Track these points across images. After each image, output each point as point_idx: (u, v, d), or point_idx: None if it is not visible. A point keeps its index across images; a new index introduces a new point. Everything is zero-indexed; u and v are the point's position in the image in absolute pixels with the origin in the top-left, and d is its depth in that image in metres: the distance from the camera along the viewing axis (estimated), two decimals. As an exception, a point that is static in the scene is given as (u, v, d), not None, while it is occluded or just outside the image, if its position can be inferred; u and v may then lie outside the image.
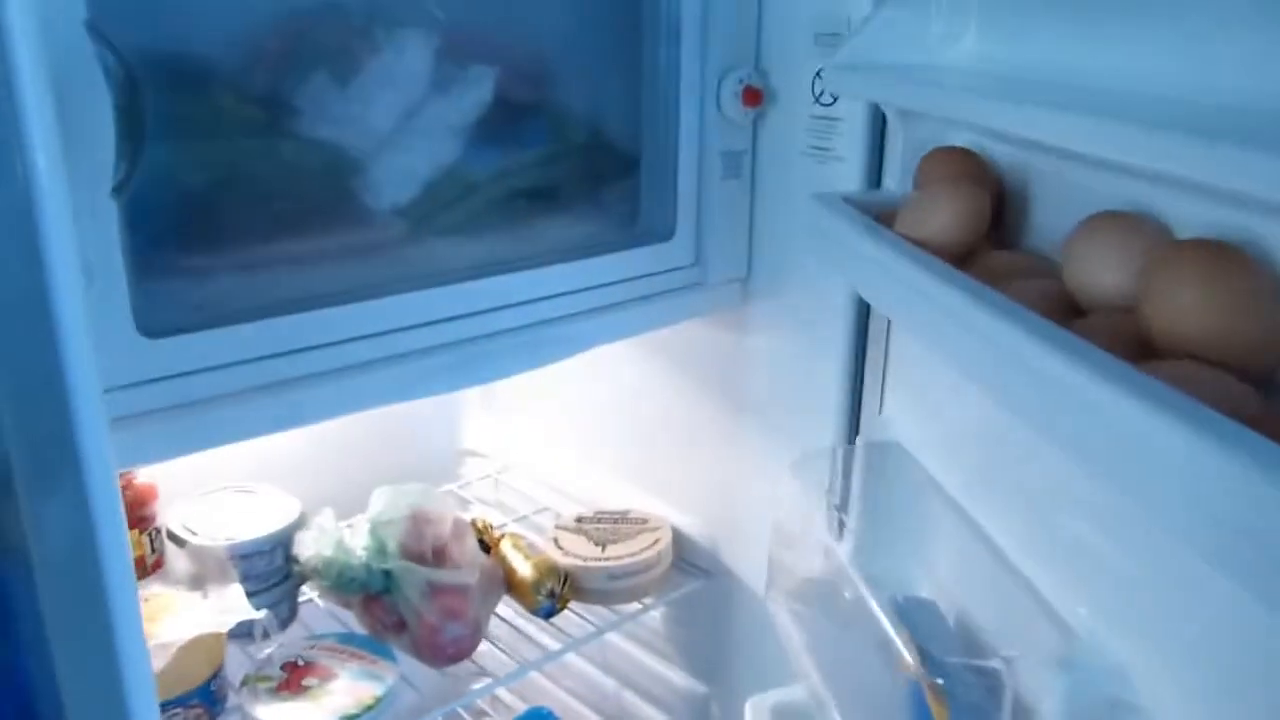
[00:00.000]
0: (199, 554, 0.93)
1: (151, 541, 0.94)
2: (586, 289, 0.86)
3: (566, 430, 1.24)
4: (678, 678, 1.17)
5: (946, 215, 0.64)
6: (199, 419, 0.66)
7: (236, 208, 0.73)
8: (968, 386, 0.65)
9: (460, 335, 0.80)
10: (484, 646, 0.99)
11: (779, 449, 0.97)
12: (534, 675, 1.38)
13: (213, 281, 0.69)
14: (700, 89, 0.88)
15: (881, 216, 0.71)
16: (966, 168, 0.69)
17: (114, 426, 0.62)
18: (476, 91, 0.85)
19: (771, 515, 0.98)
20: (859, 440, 0.89)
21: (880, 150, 0.85)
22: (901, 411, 0.83)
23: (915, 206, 0.67)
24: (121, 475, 0.92)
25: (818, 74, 0.86)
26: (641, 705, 1.23)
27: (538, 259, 0.84)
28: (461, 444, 1.37)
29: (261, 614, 0.85)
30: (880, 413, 0.86)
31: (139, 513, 0.93)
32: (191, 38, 0.70)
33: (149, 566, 0.94)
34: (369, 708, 0.86)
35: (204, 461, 1.04)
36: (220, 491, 1.02)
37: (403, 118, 0.82)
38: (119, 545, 0.52)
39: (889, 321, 0.85)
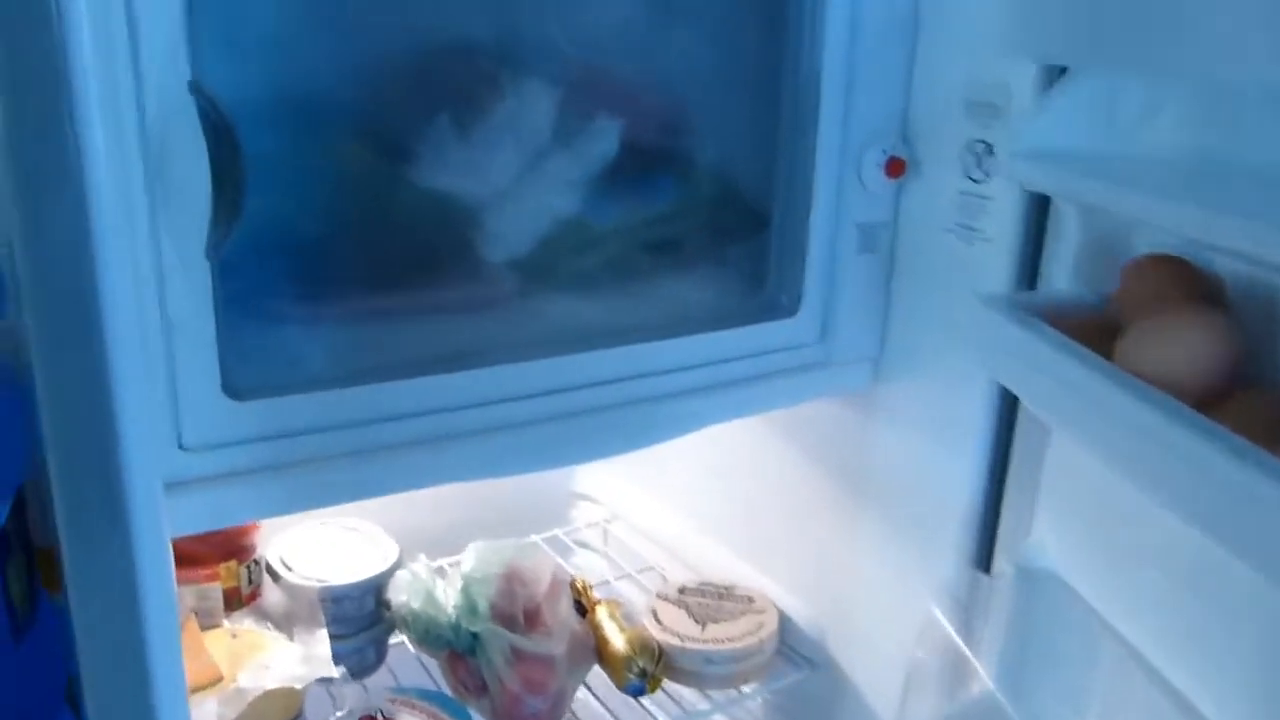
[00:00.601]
0: (291, 591, 0.92)
1: (249, 573, 0.94)
2: (701, 365, 0.80)
3: (678, 488, 1.19)
4: (774, 767, 1.10)
5: (1193, 352, 0.55)
6: (283, 484, 0.64)
7: (341, 261, 0.71)
8: (1165, 519, 0.56)
9: (563, 409, 0.75)
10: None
11: (900, 546, 0.89)
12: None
13: (307, 342, 0.67)
14: (840, 156, 0.82)
15: (1055, 321, 0.63)
16: (1193, 285, 0.59)
17: (193, 487, 0.62)
18: (602, 144, 0.81)
19: (884, 608, 0.91)
20: (1001, 561, 0.80)
21: (1038, 236, 0.76)
22: (1060, 536, 0.74)
23: (1147, 338, 0.57)
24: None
25: (968, 146, 0.78)
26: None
27: (650, 332, 0.79)
28: (574, 487, 1.34)
29: (338, 672, 0.83)
30: (1030, 535, 0.77)
31: (239, 542, 0.93)
32: (312, 80, 0.69)
33: (244, 598, 0.94)
34: (438, 776, 0.83)
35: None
36: (323, 525, 1.01)
37: (523, 168, 0.79)
38: (166, 628, 0.50)
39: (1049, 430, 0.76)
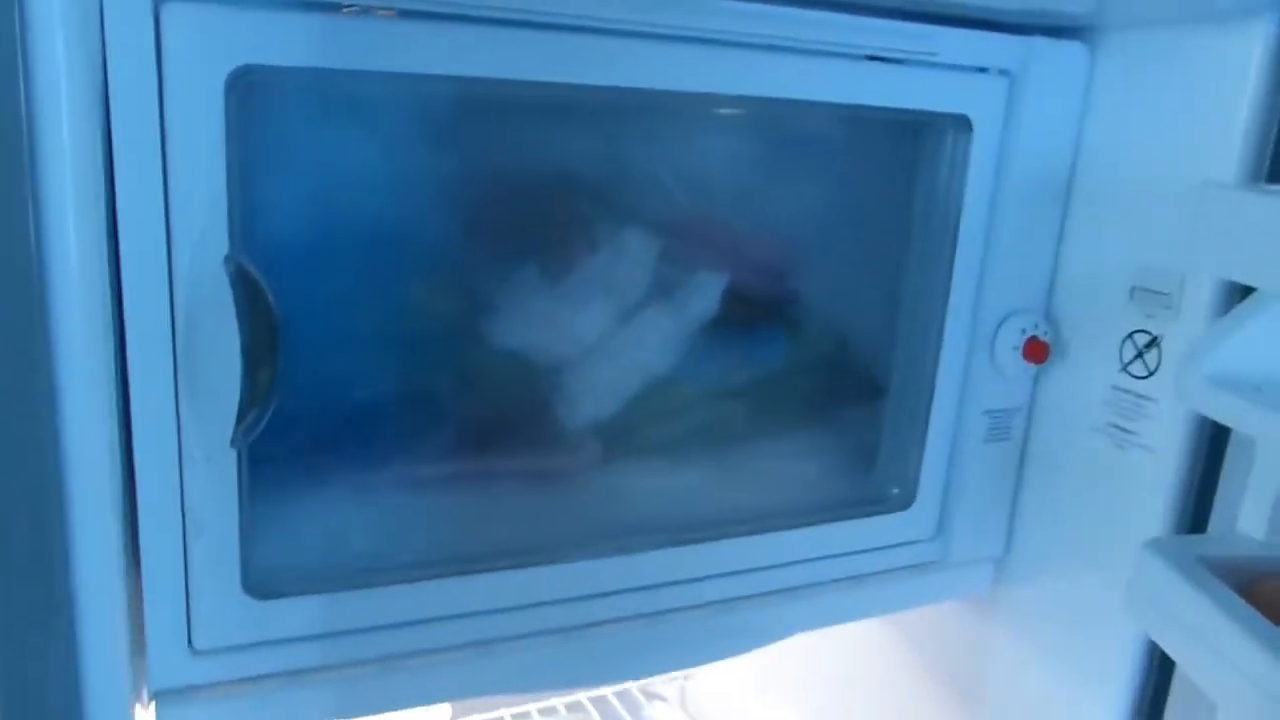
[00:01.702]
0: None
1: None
2: (796, 563, 0.70)
3: (765, 658, 1.08)
4: None
5: None
6: (307, 692, 0.56)
7: (396, 429, 0.64)
8: None
9: (637, 610, 0.66)
10: None
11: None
12: None
13: (347, 530, 0.60)
14: (971, 330, 0.71)
15: (1237, 578, 0.51)
16: None
17: (201, 694, 0.54)
18: (703, 301, 0.73)
19: None
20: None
21: (1213, 453, 0.64)
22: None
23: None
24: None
25: (1129, 337, 0.67)
26: None
27: (737, 525, 0.69)
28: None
29: None
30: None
31: None
32: (380, 221, 0.62)
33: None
34: None
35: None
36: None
37: (614, 323, 0.71)
38: None
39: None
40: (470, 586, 0.60)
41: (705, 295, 0.72)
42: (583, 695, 1.09)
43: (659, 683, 1.19)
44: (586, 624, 0.64)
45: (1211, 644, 0.50)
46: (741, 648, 0.68)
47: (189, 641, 0.53)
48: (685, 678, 1.19)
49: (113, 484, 0.46)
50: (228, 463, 0.51)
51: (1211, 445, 0.64)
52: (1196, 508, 0.65)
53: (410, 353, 0.65)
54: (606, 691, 1.11)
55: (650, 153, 0.69)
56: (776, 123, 0.72)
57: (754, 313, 0.76)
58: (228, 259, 0.48)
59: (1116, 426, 0.68)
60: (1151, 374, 0.66)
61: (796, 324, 0.79)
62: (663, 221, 0.70)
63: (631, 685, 1.16)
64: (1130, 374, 0.67)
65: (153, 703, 0.53)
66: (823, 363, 0.80)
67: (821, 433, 0.79)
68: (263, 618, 0.54)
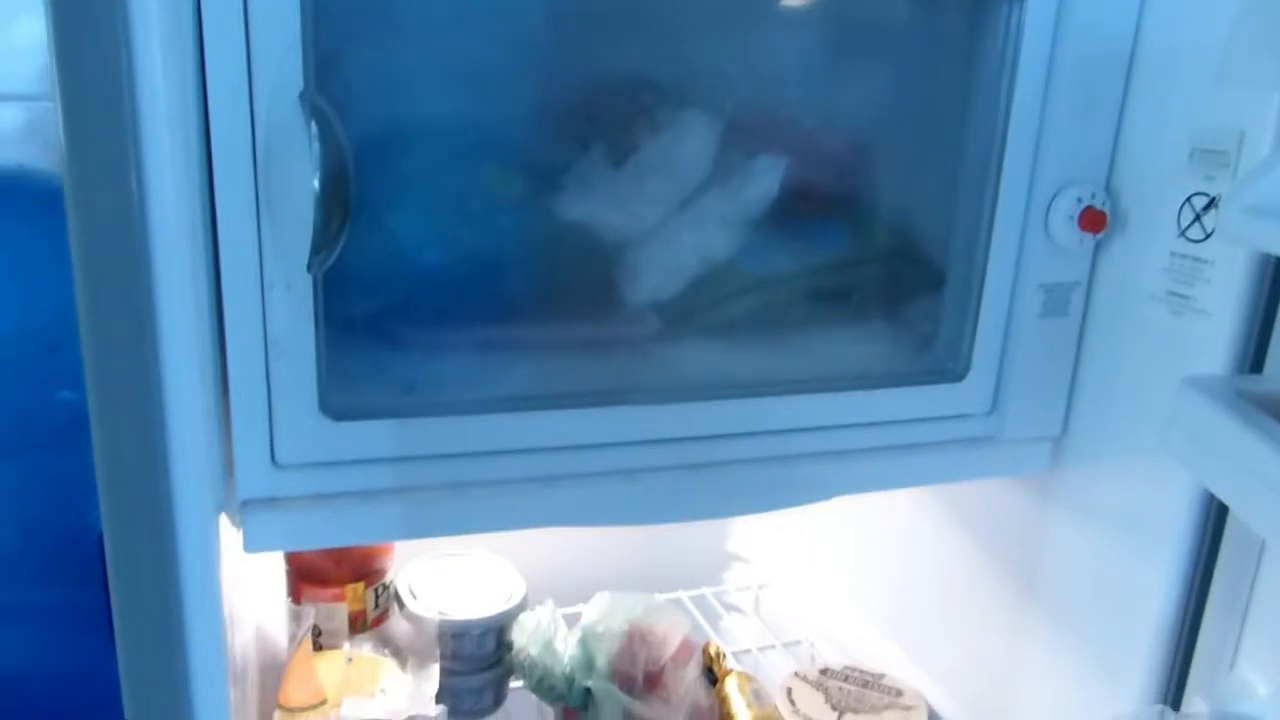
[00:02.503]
0: (413, 621, 0.91)
1: (376, 597, 0.93)
2: (847, 426, 0.72)
3: (836, 560, 1.10)
4: None
5: None
6: (377, 511, 0.62)
7: (468, 288, 0.68)
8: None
9: (690, 460, 0.69)
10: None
11: (1074, 662, 0.77)
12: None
13: (419, 367, 0.65)
14: (1025, 204, 0.72)
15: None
16: None
17: (284, 505, 0.60)
18: (762, 184, 0.75)
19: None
20: (1194, 699, 0.66)
21: (1268, 313, 0.64)
22: (1270, 677, 0.60)
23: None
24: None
25: (1188, 200, 0.67)
26: None
27: (793, 385, 0.72)
28: (728, 547, 1.27)
29: (436, 710, 0.80)
30: (1232, 669, 0.64)
31: (370, 565, 0.92)
32: (459, 105, 0.67)
33: (369, 622, 0.93)
34: (530, 841, 0.78)
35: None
36: (456, 557, 1.00)
37: (676, 205, 0.74)
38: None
39: (1262, 544, 0.64)
40: (535, 423, 0.64)
41: (764, 179, 0.75)
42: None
43: (733, 592, 1.22)
44: (643, 468, 0.67)
45: (1255, 472, 0.51)
46: (792, 501, 0.71)
47: (272, 457, 0.59)
48: (759, 587, 1.21)
49: (200, 307, 0.52)
50: (305, 290, 0.57)
51: (1268, 308, 0.64)
52: (1253, 371, 0.65)
53: (479, 224, 0.70)
54: (685, 596, 1.14)
55: (721, 46, 0.72)
56: (836, 4, 0.74)
57: (813, 203, 0.78)
58: (302, 95, 0.53)
59: (1174, 294, 0.68)
60: (1208, 236, 0.65)
61: (856, 214, 0.80)
62: (723, 108, 0.72)
63: (708, 592, 1.19)
64: (1188, 238, 0.67)
65: (241, 511, 0.59)
66: (882, 253, 0.81)
67: (883, 319, 0.80)
68: (338, 438, 0.60)
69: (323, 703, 0.79)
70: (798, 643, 1.11)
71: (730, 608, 1.21)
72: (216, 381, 0.57)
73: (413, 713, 0.78)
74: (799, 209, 0.77)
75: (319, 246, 0.54)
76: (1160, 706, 0.62)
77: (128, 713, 0.58)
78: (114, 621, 0.57)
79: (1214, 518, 0.68)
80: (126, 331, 0.52)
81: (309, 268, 0.55)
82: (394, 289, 0.66)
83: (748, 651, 1.09)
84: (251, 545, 0.60)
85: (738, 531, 1.25)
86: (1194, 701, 0.63)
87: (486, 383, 0.67)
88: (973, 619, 0.88)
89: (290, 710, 0.78)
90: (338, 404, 0.60)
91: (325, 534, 0.61)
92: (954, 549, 0.90)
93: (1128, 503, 0.73)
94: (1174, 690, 0.68)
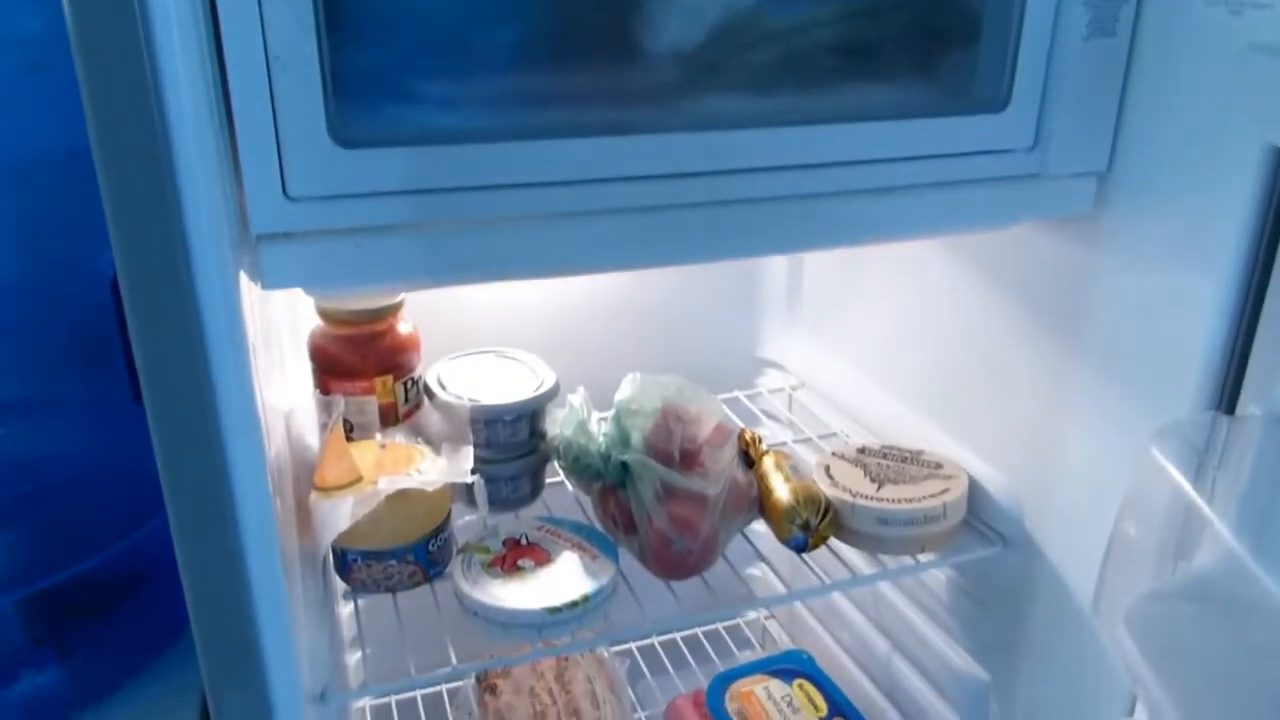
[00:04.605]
0: (444, 410, 0.90)
1: (406, 391, 0.93)
2: (881, 161, 0.69)
3: (871, 348, 1.08)
4: (957, 658, 0.99)
5: None
6: (393, 247, 0.59)
7: (477, 24, 0.65)
8: None
9: (719, 195, 0.66)
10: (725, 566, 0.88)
11: (1118, 409, 0.75)
12: (805, 615, 1.25)
13: (431, 93, 0.61)
14: (1070, -94, 0.67)
15: None
16: None
17: (298, 240, 0.58)
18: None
19: (1097, 476, 0.77)
20: (1248, 406, 0.65)
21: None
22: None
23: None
24: (383, 320, 0.91)
25: (1250, -116, 0.61)
26: (912, 678, 1.06)
27: (826, 115, 0.68)
28: (760, 353, 1.25)
29: (472, 478, 0.80)
30: None
31: (396, 359, 0.91)
32: None
33: (400, 416, 0.93)
34: (573, 604, 0.78)
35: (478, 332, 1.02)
36: (485, 355, 0.99)
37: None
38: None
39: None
40: (556, 152, 0.61)
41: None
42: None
43: (766, 395, 1.21)
44: (669, 204, 0.64)
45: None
46: (824, 241, 0.69)
47: (283, 189, 0.56)
48: (792, 389, 1.20)
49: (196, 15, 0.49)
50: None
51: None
52: (1318, 62, 0.60)
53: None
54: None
55: None
56: None
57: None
58: None
59: (1231, -7, 0.63)
60: (1272, -80, 0.60)
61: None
62: None
63: (740, 395, 1.18)
64: (1248, -73, 0.62)
65: (257, 246, 0.57)
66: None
67: (916, 70, 0.75)
68: (350, 168, 0.57)
69: (358, 480, 0.79)
70: (833, 434, 1.10)
71: (765, 412, 1.21)
72: (220, 115, 0.54)
73: (448, 479, 0.78)
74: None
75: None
76: (1213, 412, 0.60)
77: (159, 460, 0.57)
78: (139, 374, 0.56)
79: (1269, 234, 0.65)
80: (119, 47, 0.49)
81: (305, -29, 0.52)
82: (399, 32, 0.62)
83: (783, 444, 1.08)
84: (270, 282, 0.58)
85: (770, 338, 1.24)
86: (1248, 407, 0.61)
87: (499, 111, 0.64)
88: (1012, 383, 0.86)
89: (326, 490, 0.78)
90: (347, 130, 0.57)
91: (344, 272, 0.59)
92: (991, 313, 0.87)
93: (1177, 233, 0.69)
94: (1227, 405, 0.65)
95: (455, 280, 0.62)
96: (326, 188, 0.57)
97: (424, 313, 0.97)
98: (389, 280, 0.62)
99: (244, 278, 0.56)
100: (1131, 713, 0.76)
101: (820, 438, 1.09)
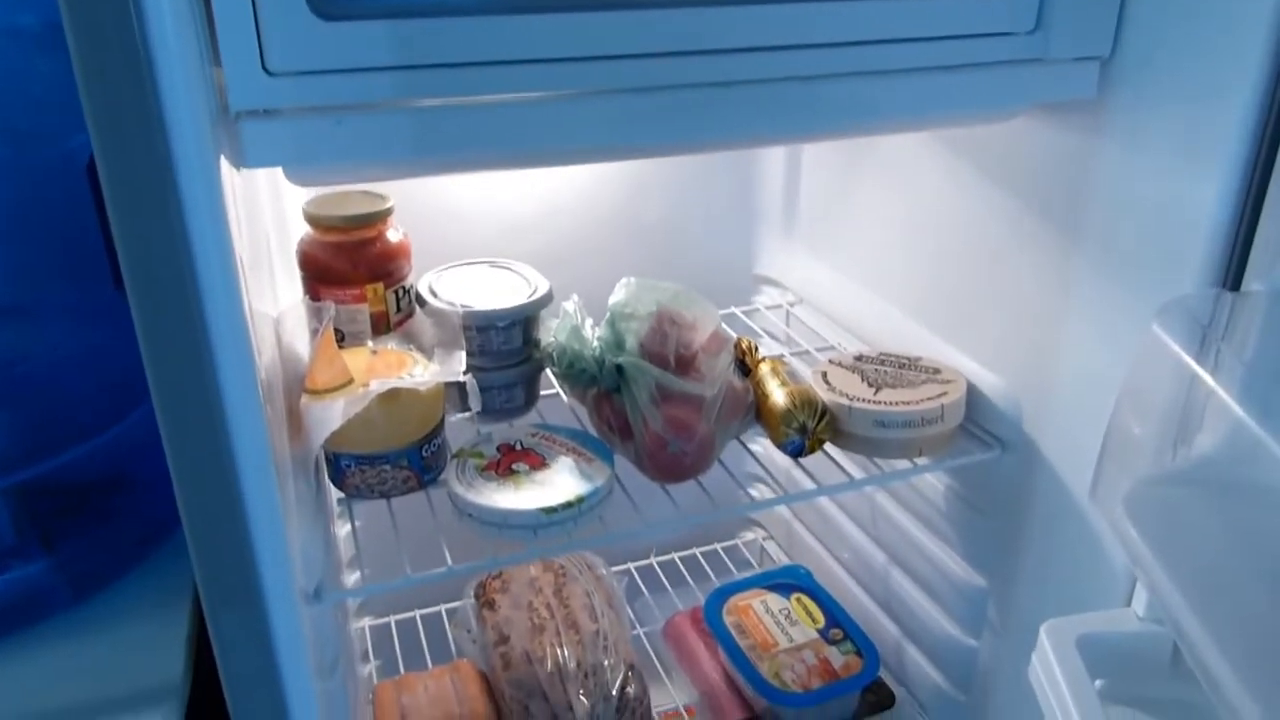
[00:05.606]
0: (436, 316, 0.89)
1: (397, 299, 0.91)
2: (878, 41, 0.66)
3: (868, 260, 1.06)
4: (955, 565, 0.98)
5: None
6: (376, 124, 0.58)
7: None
8: None
9: (717, 76, 0.63)
10: (722, 475, 0.87)
11: (1120, 303, 0.73)
12: (803, 534, 1.26)
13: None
14: None
15: None
16: None
17: (280, 117, 0.56)
18: None
19: (1097, 372, 0.76)
20: (1252, 283, 0.63)
21: None
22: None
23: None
24: (372, 226, 0.89)
25: None
26: (909, 588, 1.06)
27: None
28: (757, 270, 1.24)
29: (465, 378, 0.79)
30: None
31: (386, 267, 0.90)
32: None
33: (391, 324, 0.91)
34: (568, 504, 0.77)
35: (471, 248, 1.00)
36: (478, 265, 0.97)
37: None
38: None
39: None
40: (544, 26, 0.59)
41: None
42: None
43: (763, 311, 1.20)
44: (665, 84, 0.62)
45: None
46: (822, 126, 0.67)
47: (263, 64, 0.55)
48: (790, 305, 1.19)
49: None
50: None
51: None
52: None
53: None
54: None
55: None
56: None
57: None
58: None
59: None
60: None
61: None
62: None
63: (737, 311, 1.17)
64: None
65: (236, 123, 0.56)
66: None
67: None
68: (332, 41, 0.55)
69: (349, 382, 0.78)
70: (831, 348, 1.09)
71: (762, 328, 1.20)
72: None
73: (441, 379, 0.77)
74: None
75: None
76: (1217, 289, 0.59)
77: (144, 350, 0.56)
78: (118, 260, 0.55)
79: (1276, 113, 0.63)
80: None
81: None
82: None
83: (780, 357, 1.07)
84: (251, 159, 0.56)
85: (767, 255, 1.22)
86: (1251, 284, 0.60)
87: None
88: (1012, 284, 0.85)
89: (317, 392, 0.77)
90: (327, 2, 0.55)
91: (326, 150, 0.58)
92: (990, 213, 0.86)
93: (1181, 116, 0.68)
94: (1231, 283, 0.64)
95: (440, 161, 0.60)
96: (307, 62, 0.56)
97: (416, 223, 0.96)
98: (372, 159, 0.60)
99: (226, 167, 0.55)
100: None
101: (818, 350, 1.09)
